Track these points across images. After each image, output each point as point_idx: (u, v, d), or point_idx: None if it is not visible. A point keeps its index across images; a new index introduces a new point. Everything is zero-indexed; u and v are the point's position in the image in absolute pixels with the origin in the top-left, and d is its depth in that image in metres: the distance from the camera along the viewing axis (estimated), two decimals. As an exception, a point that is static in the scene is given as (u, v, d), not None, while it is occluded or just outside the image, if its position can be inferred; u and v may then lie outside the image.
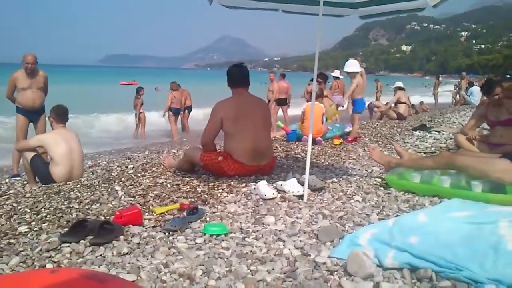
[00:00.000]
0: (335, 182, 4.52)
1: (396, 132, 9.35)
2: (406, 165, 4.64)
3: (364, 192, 4.10)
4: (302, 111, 8.40)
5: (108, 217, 3.44)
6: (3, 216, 3.69)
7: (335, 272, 2.36)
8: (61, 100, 5.87)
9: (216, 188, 4.27)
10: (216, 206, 3.69)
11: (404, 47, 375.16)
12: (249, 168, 4.73)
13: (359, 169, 5.30)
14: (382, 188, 4.27)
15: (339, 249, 2.64)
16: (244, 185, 4.36)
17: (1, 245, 2.97)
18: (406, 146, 7.16)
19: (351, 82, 8.48)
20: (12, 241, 3.06)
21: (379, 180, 4.62)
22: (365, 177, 4.81)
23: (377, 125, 10.68)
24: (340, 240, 2.81)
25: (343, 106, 11.78)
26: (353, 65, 8.43)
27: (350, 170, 5.23)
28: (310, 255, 2.62)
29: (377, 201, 3.82)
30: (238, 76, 4.96)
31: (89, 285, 1.54)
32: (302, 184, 3.95)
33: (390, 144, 7.33)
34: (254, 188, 4.03)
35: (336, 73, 13.96)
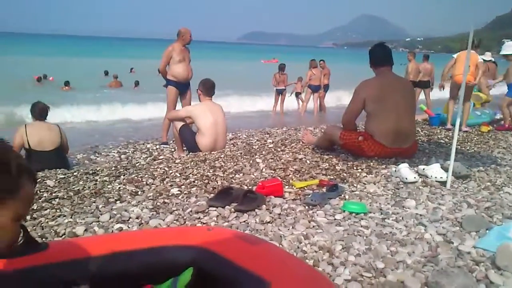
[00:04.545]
0: (482, 171, 4.26)
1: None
2: None
3: (516, 184, 3.82)
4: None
5: (251, 187, 3.62)
6: (157, 178, 4.07)
7: (481, 263, 2.27)
8: (203, 75, 6.17)
9: (355, 168, 4.27)
10: (355, 185, 3.71)
11: None
12: (390, 150, 4.64)
13: (510, 159, 4.93)
14: (537, 181, 3.94)
15: (486, 240, 2.52)
16: (384, 166, 4.29)
17: (158, 203, 3.29)
18: None
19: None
20: (166, 200, 3.37)
21: (534, 172, 4.27)
22: (517, 168, 4.47)
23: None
24: (487, 231, 2.67)
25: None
26: (511, 47, 7.72)
27: (499, 160, 4.89)
28: (453, 243, 2.54)
29: (531, 194, 3.54)
30: (381, 56, 4.88)
31: (241, 244, 1.67)
32: (446, 170, 3.79)
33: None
34: (395, 170, 3.96)
35: (487, 55, 12.92)
